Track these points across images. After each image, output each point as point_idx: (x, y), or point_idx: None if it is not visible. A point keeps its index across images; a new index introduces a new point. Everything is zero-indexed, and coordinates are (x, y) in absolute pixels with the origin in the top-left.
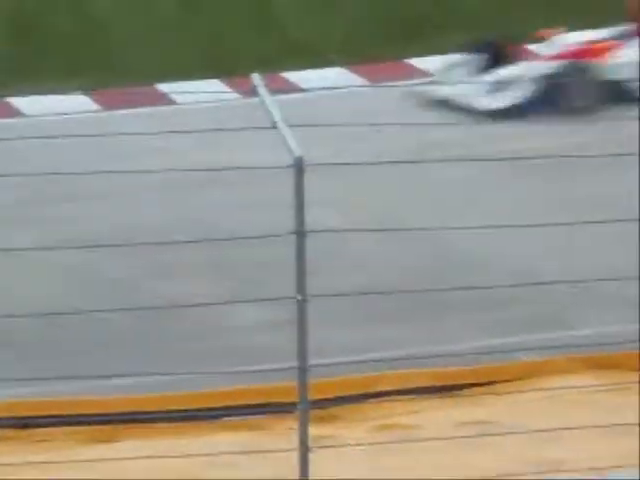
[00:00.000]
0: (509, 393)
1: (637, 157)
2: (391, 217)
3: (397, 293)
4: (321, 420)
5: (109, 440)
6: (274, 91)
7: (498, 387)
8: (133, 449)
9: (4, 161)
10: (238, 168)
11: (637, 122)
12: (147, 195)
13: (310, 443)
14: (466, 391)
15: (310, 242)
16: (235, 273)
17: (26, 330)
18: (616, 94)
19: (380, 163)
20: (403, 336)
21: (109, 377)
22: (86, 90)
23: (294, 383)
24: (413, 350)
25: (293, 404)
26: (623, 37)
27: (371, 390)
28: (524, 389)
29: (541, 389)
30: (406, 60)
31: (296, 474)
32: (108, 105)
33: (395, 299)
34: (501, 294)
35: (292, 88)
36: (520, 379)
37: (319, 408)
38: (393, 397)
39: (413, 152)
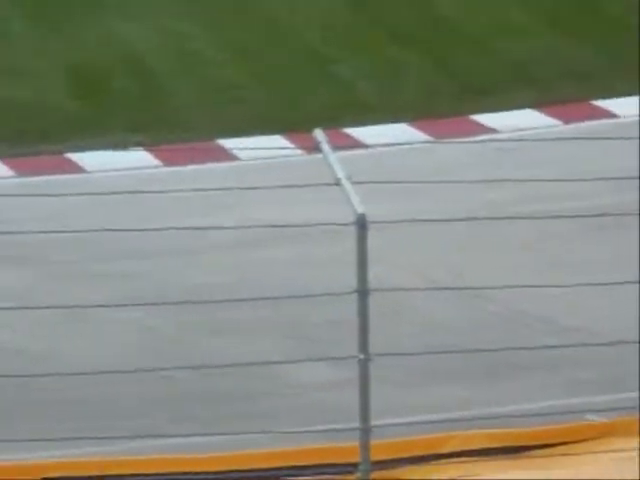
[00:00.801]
0: (577, 454)
1: None
2: (454, 275)
3: (461, 352)
4: None
5: None
6: (337, 147)
7: (566, 448)
8: None
9: (65, 217)
10: (300, 225)
11: None
12: (207, 252)
13: None
14: (532, 452)
15: (373, 300)
16: (297, 331)
17: (84, 387)
18: None
19: (443, 221)
20: (468, 396)
21: (169, 436)
22: (147, 146)
23: (356, 443)
24: (478, 410)
25: (354, 465)
26: None
27: (435, 451)
28: (592, 450)
29: (610, 450)
30: (471, 116)
31: None
32: (169, 161)
33: (459, 358)
34: (567, 354)
35: (355, 144)
36: (588, 440)
37: (381, 469)
38: (457, 459)
39: (475, 209)
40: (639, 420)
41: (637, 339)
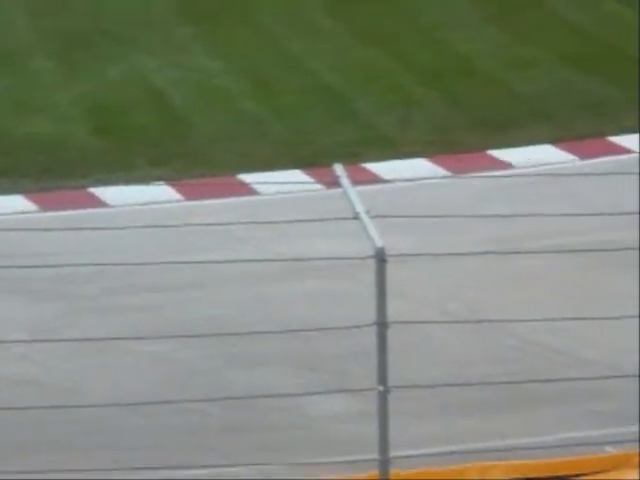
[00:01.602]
0: None
1: None
2: (471, 308)
3: (479, 384)
4: None
5: None
6: (356, 182)
7: None
8: None
9: (87, 251)
10: (320, 259)
11: None
12: (228, 286)
13: None
14: None
15: (392, 332)
16: (316, 364)
17: (105, 419)
18: None
19: (460, 254)
20: (486, 428)
21: (190, 467)
22: (169, 180)
23: (375, 475)
24: (496, 442)
25: None
26: None
27: None
28: None
29: None
30: (488, 152)
31: None
32: (191, 195)
33: (477, 390)
34: (586, 386)
35: (374, 179)
36: (606, 472)
37: None
38: None
39: (492, 243)
40: None
41: None
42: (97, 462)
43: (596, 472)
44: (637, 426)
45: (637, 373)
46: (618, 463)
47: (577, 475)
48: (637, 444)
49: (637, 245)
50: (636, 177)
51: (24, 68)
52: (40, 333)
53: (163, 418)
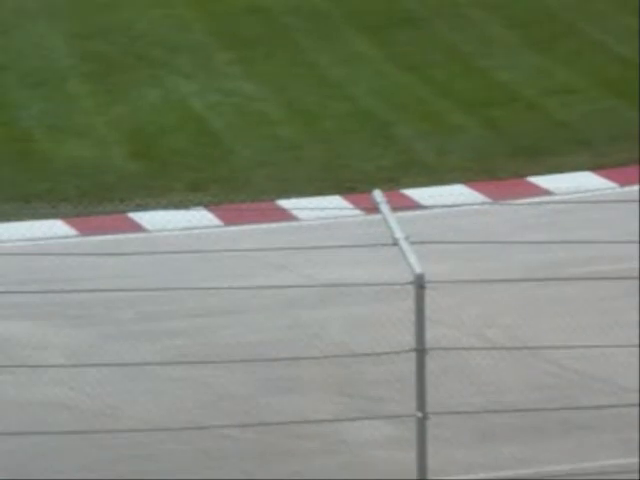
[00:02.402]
0: None
1: None
2: (510, 334)
3: (518, 411)
4: None
5: None
6: (395, 208)
7: None
8: None
9: (125, 276)
10: (359, 285)
11: None
12: (266, 312)
13: None
14: None
15: (430, 359)
16: (354, 390)
17: (141, 445)
18: None
19: (501, 281)
20: (525, 455)
21: None
22: (207, 205)
23: None
24: (535, 469)
25: None
26: None
27: None
28: None
29: None
30: (527, 178)
31: None
32: (229, 221)
33: (515, 417)
34: (624, 414)
35: (413, 205)
36: None
37: None
38: None
39: (530, 271)
40: None
41: None
42: None
43: None
44: None
45: None
46: None
47: None
48: None
49: None
50: None
51: (61, 91)
52: (76, 358)
53: (197, 443)
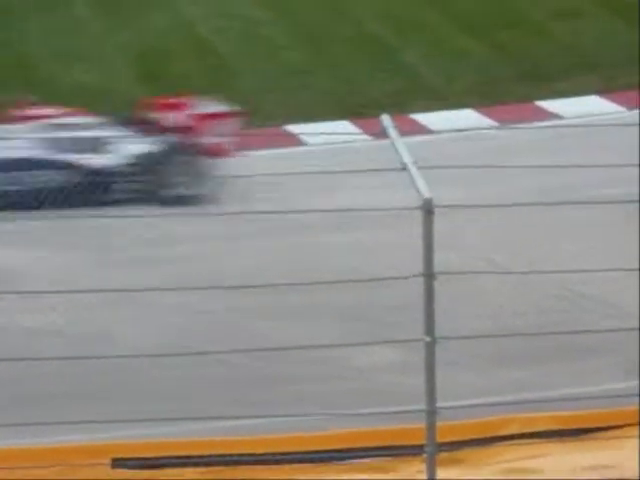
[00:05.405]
0: (635, 437)
1: None
2: (518, 259)
3: (525, 335)
4: (447, 463)
5: None
6: (403, 133)
7: (624, 431)
8: None
9: None
10: (366, 210)
11: None
12: (275, 238)
13: None
14: (593, 435)
15: (438, 284)
16: (362, 315)
17: (138, 371)
18: None
19: (508, 205)
20: (530, 379)
21: (228, 418)
22: None
23: (421, 425)
24: (540, 393)
25: (420, 447)
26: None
27: (498, 433)
28: None
29: None
30: (535, 102)
31: None
32: (237, 146)
33: (522, 342)
34: (628, 338)
35: (421, 130)
36: None
37: (445, 451)
38: (520, 440)
39: (538, 194)
40: None
41: None
42: (132, 413)
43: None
44: None
45: None
46: None
47: (621, 426)
48: None
49: None
50: None
51: (68, 14)
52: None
53: (200, 369)
